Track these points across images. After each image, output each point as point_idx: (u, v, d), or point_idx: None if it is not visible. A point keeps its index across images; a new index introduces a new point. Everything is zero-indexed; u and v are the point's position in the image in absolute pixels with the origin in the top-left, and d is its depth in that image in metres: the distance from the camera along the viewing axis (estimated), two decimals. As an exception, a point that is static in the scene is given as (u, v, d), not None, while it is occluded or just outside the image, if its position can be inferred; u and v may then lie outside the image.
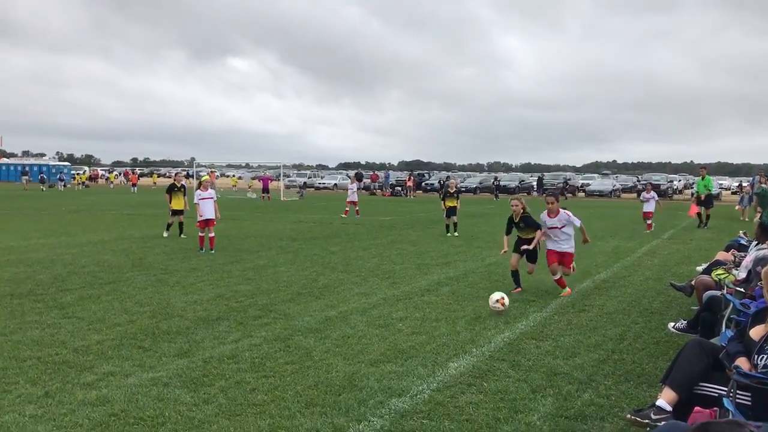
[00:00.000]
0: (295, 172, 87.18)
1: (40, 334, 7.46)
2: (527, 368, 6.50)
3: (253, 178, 66.61)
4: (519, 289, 10.41)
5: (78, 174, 77.71)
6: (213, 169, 75.08)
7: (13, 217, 25.53)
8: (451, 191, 21.14)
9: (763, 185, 24.05)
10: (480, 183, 66.33)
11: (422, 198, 53.99)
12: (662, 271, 13.18)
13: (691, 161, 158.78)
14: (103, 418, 4.99)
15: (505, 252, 10.77)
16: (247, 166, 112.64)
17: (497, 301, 8.73)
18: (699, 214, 24.12)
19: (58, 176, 68.35)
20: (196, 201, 15.52)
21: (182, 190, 18.44)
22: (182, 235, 17.97)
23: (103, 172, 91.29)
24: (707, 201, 24.47)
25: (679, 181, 66.62)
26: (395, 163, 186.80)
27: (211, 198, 15.40)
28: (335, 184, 72.13)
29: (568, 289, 10.24)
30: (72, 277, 11.41)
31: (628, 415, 4.41)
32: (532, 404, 5.46)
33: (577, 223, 10.13)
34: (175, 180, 19.15)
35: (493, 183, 60.05)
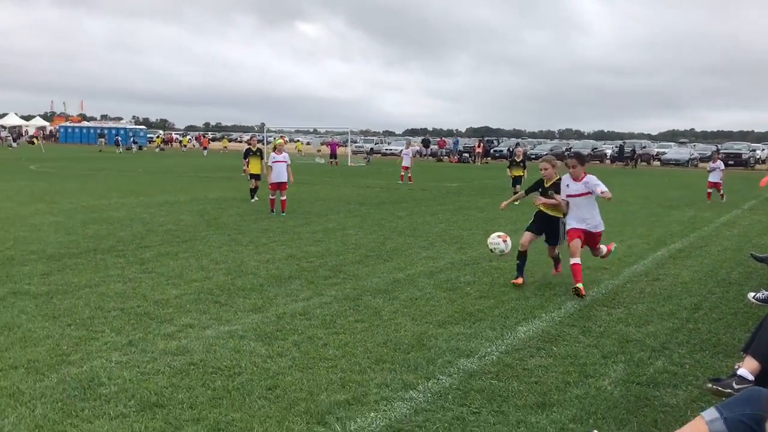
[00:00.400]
0: (362, 137, 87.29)
1: (123, 287, 7.80)
2: (598, 334, 6.42)
3: (322, 144, 67.32)
4: (520, 279, 8.33)
5: (156, 137, 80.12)
6: (282, 135, 76.09)
7: (94, 178, 26.61)
8: (518, 160, 20.77)
9: None
10: (551, 150, 64.87)
11: (490, 165, 53.44)
12: (742, 242, 12.72)
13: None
14: (183, 366, 5.21)
15: (504, 207, 9.22)
16: (315, 131, 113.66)
17: (498, 236, 8.47)
18: None
19: (131, 139, 70.53)
20: (269, 164, 15.82)
21: (258, 153, 18.74)
22: (254, 199, 18.35)
23: (177, 136, 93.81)
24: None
25: (763, 150, 63.67)
26: (463, 130, 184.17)
27: (285, 162, 15.64)
28: (401, 151, 71.81)
29: (581, 287, 7.78)
30: (150, 235, 11.86)
31: (708, 384, 4.30)
32: (602, 369, 5.41)
33: (600, 188, 7.83)
34: (250, 144, 19.48)
35: (565, 151, 58.69)
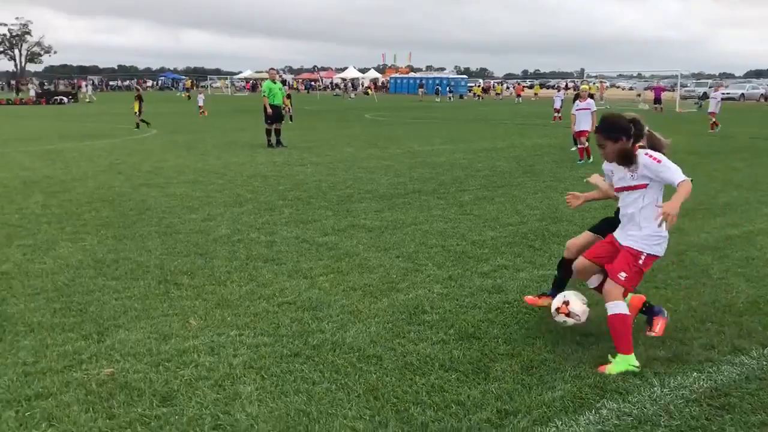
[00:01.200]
0: (693, 81, 79.36)
1: (443, 226, 8.31)
2: None
3: (645, 89, 63.20)
4: (543, 299, 5.17)
5: (476, 86, 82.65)
6: (603, 80, 72.77)
7: (418, 125, 28.47)
8: None
9: None
10: None
11: None
12: None
13: None
14: (498, 304, 5.41)
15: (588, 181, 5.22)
16: (639, 75, 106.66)
17: (557, 310, 4.68)
18: None
19: (447, 88, 73.41)
20: (573, 112, 15.32)
21: None
22: (573, 148, 17.96)
23: (495, 84, 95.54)
24: None
25: None
26: None
27: (588, 109, 14.99)
28: (742, 95, 63.44)
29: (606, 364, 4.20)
30: (469, 179, 12.37)
31: None
32: None
33: (676, 177, 4.35)
34: (580, 92, 19.01)
35: None
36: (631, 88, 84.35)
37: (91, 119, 32.29)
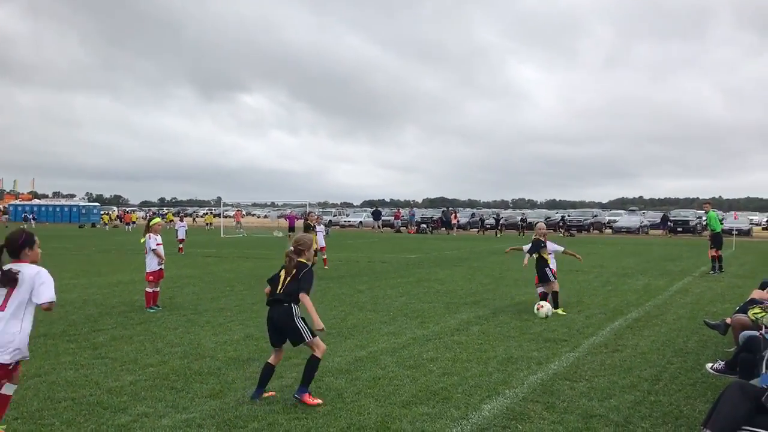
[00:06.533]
0: (320, 210, 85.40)
1: (74, 374, 7.79)
2: (562, 410, 6.39)
3: (279, 217, 66.62)
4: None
5: (104, 214, 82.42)
6: (239, 209, 78.26)
7: (45, 257, 27.47)
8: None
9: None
10: (505, 220, 63.98)
11: (446, 236, 53.05)
12: (695, 310, 12.58)
13: (719, 196, 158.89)
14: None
15: None
16: (273, 204, 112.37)
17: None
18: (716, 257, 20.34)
19: (31, 215, 74.27)
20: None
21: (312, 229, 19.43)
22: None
23: (121, 212, 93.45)
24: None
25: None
26: (419, 200, 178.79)
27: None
28: (360, 222, 73.18)
29: None
30: (104, 317, 11.90)
31: None
32: (568, 448, 4.53)
33: None
34: (309, 219, 20.33)
35: (520, 220, 60.05)
36: (265, 216, 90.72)
37: None
